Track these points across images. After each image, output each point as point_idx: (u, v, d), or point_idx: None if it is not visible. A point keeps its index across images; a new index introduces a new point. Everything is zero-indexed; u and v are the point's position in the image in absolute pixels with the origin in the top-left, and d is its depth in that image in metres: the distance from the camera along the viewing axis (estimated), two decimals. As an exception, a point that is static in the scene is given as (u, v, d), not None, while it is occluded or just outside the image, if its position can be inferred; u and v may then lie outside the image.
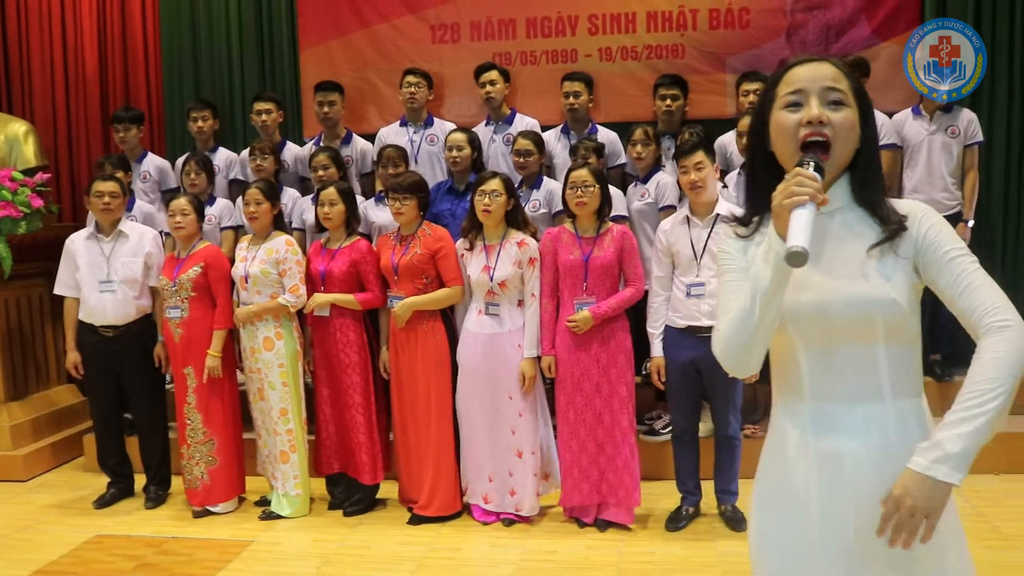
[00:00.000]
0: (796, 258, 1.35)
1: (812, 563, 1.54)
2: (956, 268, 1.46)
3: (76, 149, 5.89)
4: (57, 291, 4.61)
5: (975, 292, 1.44)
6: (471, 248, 4.11)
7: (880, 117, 4.79)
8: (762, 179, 1.61)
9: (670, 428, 4.53)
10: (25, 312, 5.44)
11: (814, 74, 1.52)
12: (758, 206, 1.62)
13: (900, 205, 1.55)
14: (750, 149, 1.66)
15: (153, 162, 5.34)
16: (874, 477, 1.49)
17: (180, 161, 5.21)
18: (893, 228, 1.50)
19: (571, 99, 4.90)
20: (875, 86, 4.88)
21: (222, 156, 5.31)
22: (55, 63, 5.84)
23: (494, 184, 4.01)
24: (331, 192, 4.21)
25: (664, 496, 4.25)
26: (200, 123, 5.28)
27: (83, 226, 5.52)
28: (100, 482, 4.81)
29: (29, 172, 5.26)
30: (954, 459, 1.36)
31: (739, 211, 3.75)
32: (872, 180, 1.55)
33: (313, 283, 4.27)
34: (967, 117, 4.80)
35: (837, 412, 1.53)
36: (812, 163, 1.44)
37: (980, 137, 4.80)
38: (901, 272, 1.50)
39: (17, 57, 5.90)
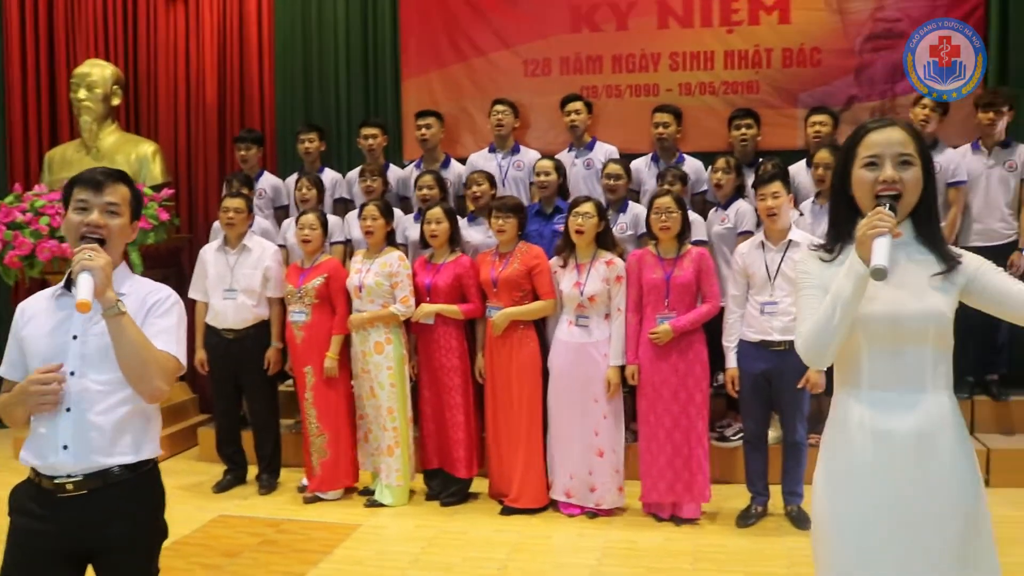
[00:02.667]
0: (879, 273, 1.78)
1: (868, 522, 1.94)
2: (1006, 276, 1.95)
3: (195, 168, 6.47)
4: (190, 295, 5.14)
5: (1021, 284, 1.92)
6: (564, 265, 4.55)
7: (954, 156, 5.12)
8: (843, 216, 2.05)
9: (740, 435, 4.92)
10: (146, 315, 6.00)
11: (887, 140, 1.95)
12: (838, 237, 2.05)
13: (953, 250, 1.99)
14: (833, 193, 2.10)
15: (269, 180, 5.88)
16: (919, 451, 1.92)
17: (292, 178, 5.74)
18: (952, 263, 1.95)
19: (660, 129, 5.32)
20: (942, 125, 5.20)
21: (328, 176, 5.79)
22: (179, 91, 6.45)
23: (587, 207, 4.45)
24: (437, 212, 4.69)
25: (733, 497, 4.62)
26: (307, 144, 5.76)
27: (198, 237, 6.13)
28: (215, 470, 5.33)
29: (155, 188, 5.84)
30: None
31: (813, 238, 4.16)
32: (931, 221, 2.00)
33: (419, 294, 4.73)
34: (1023, 151, 5.10)
35: (890, 399, 1.95)
36: (888, 203, 1.88)
37: (1034, 175, 5.10)
38: (951, 295, 1.95)
39: (146, 86, 6.52)
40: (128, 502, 2.14)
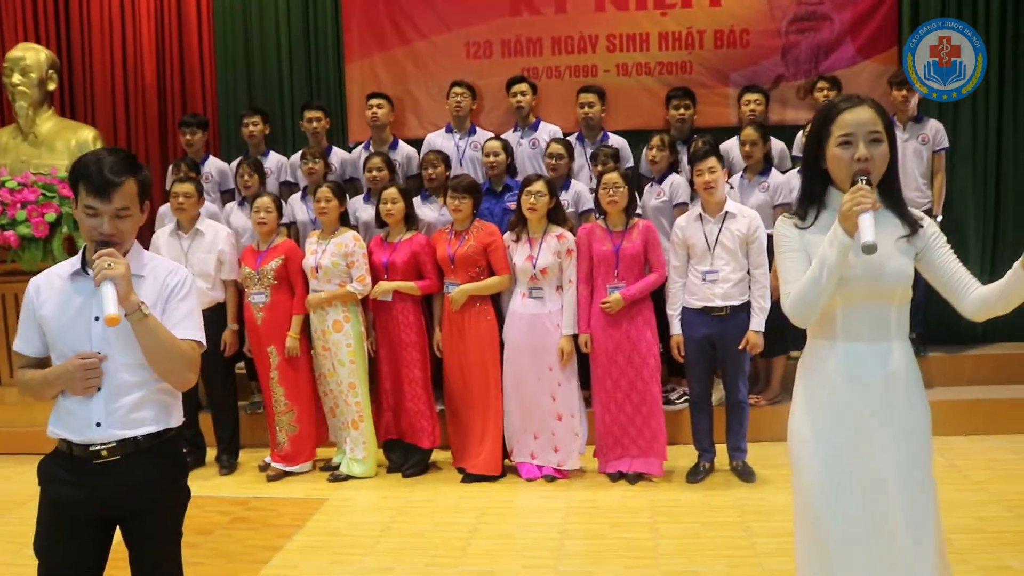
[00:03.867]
0: (870, 249, 2.01)
1: (844, 453, 2.23)
2: (951, 256, 2.23)
3: (135, 153, 6.37)
4: None
5: (962, 270, 2.21)
6: (517, 240, 4.74)
7: None
8: (816, 186, 2.29)
9: (684, 398, 5.22)
10: (90, 301, 5.96)
11: (859, 119, 2.17)
12: (812, 204, 2.30)
13: (914, 213, 2.26)
14: (805, 166, 2.34)
15: (215, 164, 5.88)
16: (885, 391, 2.22)
17: (234, 164, 5.77)
18: (915, 227, 2.22)
19: (586, 109, 5.53)
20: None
21: (273, 160, 5.85)
22: (115, 73, 6.35)
23: (538, 186, 4.65)
24: (393, 191, 4.82)
25: (682, 456, 4.89)
26: (251, 128, 5.79)
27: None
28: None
29: (97, 174, 5.79)
30: None
31: (747, 209, 4.40)
32: (895, 189, 2.26)
33: (376, 272, 4.86)
34: (935, 126, 5.49)
35: (861, 348, 2.23)
36: (865, 180, 2.12)
37: (946, 144, 5.49)
38: (911, 257, 2.23)
39: (80, 67, 6.39)
40: (157, 466, 2.27)
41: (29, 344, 2.32)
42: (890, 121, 2.24)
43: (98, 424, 2.20)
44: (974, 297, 2.18)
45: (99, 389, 2.20)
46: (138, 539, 2.30)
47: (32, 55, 5.83)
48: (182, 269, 2.36)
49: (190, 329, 2.27)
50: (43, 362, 2.31)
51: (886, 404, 2.21)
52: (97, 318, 2.22)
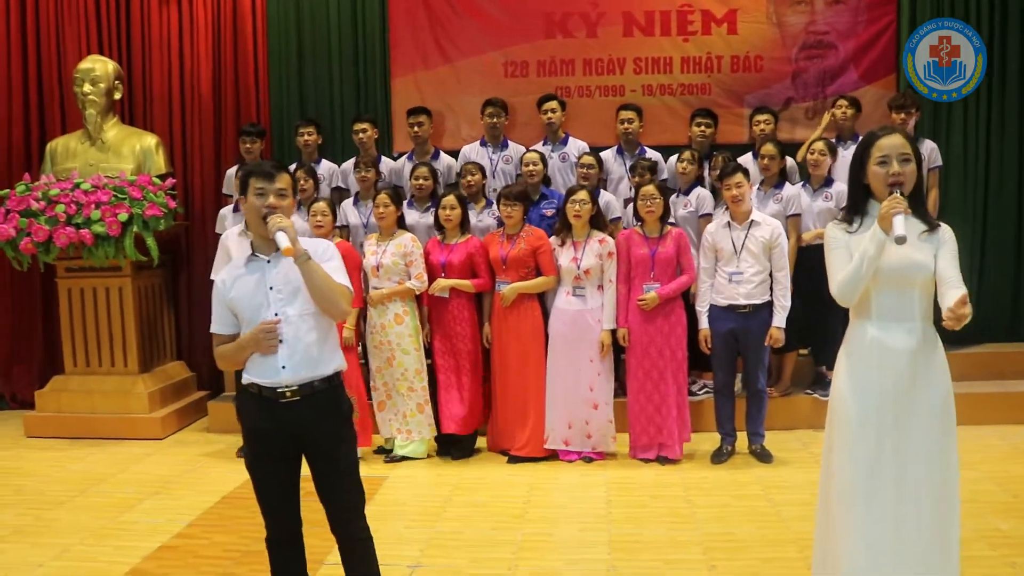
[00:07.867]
0: (902, 240, 2.59)
1: (873, 409, 2.76)
2: (950, 261, 2.75)
3: (190, 160, 6.80)
4: (213, 276, 5.57)
5: (952, 271, 2.73)
6: (563, 244, 5.26)
7: None
8: (860, 198, 2.85)
9: (705, 390, 5.76)
10: (148, 298, 6.40)
11: (893, 144, 2.76)
12: (856, 212, 2.86)
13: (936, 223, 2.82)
14: (851, 182, 2.90)
15: (271, 171, 6.33)
16: (911, 361, 2.75)
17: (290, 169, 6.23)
18: (933, 226, 2.79)
19: (626, 125, 6.06)
20: (859, 121, 6.15)
21: (325, 167, 6.31)
22: (173, 86, 6.74)
23: (582, 195, 5.17)
24: (452, 199, 5.31)
25: (703, 442, 5.41)
26: (306, 137, 6.25)
27: (194, 224, 6.58)
28: (228, 439, 5.79)
29: (160, 178, 6.23)
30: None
31: (770, 219, 4.92)
32: (919, 198, 2.82)
33: (434, 271, 5.34)
34: (929, 146, 6.06)
35: (891, 326, 2.77)
36: (899, 191, 2.68)
37: (939, 162, 6.08)
38: (931, 251, 2.77)
39: (140, 80, 6.78)
40: (329, 404, 2.83)
41: (225, 325, 2.90)
42: (917, 145, 2.80)
43: (283, 367, 2.77)
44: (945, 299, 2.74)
45: (281, 341, 2.76)
46: (321, 464, 2.85)
47: (101, 66, 6.25)
48: (325, 241, 3.00)
49: (340, 277, 2.86)
50: (235, 338, 2.86)
51: (911, 373, 2.75)
52: (271, 287, 2.80)
